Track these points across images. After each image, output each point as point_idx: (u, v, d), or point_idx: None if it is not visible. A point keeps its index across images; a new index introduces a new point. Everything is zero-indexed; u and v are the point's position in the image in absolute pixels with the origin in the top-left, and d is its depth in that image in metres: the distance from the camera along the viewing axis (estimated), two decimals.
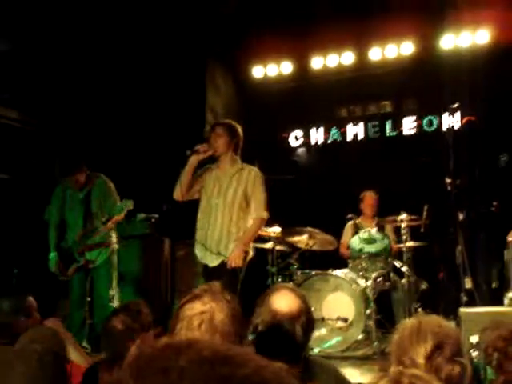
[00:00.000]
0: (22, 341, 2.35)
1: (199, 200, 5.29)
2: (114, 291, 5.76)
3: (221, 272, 4.98)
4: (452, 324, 2.16)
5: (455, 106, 5.15)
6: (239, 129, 5.31)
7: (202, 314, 2.14)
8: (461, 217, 4.62)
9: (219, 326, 2.12)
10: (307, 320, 2.50)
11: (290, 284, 5.86)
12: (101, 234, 5.92)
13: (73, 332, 5.12)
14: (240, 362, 0.83)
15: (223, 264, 5.04)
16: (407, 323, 2.22)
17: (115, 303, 5.64)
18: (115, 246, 5.81)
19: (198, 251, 5.23)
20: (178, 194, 5.20)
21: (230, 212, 5.12)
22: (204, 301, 2.18)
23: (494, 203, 6.49)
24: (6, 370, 1.65)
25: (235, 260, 4.97)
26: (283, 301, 2.51)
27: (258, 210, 5.16)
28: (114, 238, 5.79)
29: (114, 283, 5.84)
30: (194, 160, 5.14)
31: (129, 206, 5.72)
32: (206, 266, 5.19)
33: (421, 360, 2.01)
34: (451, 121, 7.63)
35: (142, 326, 2.89)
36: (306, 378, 2.37)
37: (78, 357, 3.29)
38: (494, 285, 6.35)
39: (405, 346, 2.08)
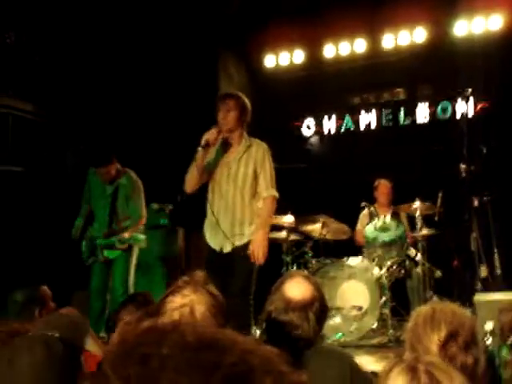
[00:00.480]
0: (36, 328, 2.37)
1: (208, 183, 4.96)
2: (130, 286, 5.83)
3: (234, 258, 4.74)
4: (467, 312, 2.14)
5: (469, 91, 5.09)
6: (248, 103, 4.98)
7: (182, 308, 2.13)
8: (475, 203, 4.58)
9: (199, 319, 2.11)
10: (320, 307, 2.51)
11: (304, 271, 5.87)
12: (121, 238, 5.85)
13: (92, 322, 5.18)
14: (225, 348, 0.78)
15: (237, 249, 4.76)
16: (421, 310, 2.21)
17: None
18: (138, 247, 5.90)
19: (209, 236, 4.91)
20: (188, 187, 4.88)
21: (242, 195, 4.82)
22: (184, 293, 2.16)
23: (487, 193, 6.43)
24: (14, 358, 1.66)
25: (260, 246, 4.68)
26: (296, 288, 2.51)
27: (268, 188, 4.85)
28: (139, 238, 5.85)
29: (131, 279, 5.89)
30: (202, 154, 4.76)
31: (141, 243, 5.76)
32: (214, 252, 4.83)
33: (434, 348, 2.01)
34: (465, 107, 7.58)
35: (150, 317, 2.91)
36: (316, 367, 2.37)
37: (93, 346, 3.31)
38: (498, 271, 6.31)
39: (419, 333, 2.08)
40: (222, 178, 4.86)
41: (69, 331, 2.24)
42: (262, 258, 4.67)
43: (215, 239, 4.84)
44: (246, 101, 4.99)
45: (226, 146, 4.94)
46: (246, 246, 4.75)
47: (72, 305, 5.41)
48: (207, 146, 4.73)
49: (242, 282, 4.69)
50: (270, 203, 4.88)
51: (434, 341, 2.01)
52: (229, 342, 0.79)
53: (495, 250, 6.03)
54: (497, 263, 5.93)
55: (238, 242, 4.77)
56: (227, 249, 4.79)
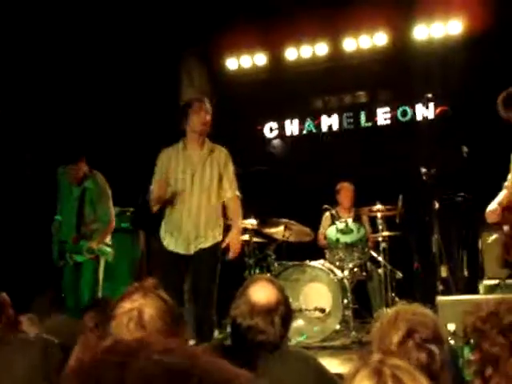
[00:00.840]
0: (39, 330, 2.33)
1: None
2: (97, 293, 5.72)
3: (200, 260, 4.84)
4: (430, 312, 2.17)
5: (429, 95, 5.16)
6: None
7: (130, 312, 2.11)
8: (436, 205, 4.65)
9: (148, 323, 2.09)
10: (286, 311, 2.50)
11: (268, 275, 5.87)
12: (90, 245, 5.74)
13: None
14: (187, 375, 0.71)
15: (202, 251, 4.86)
16: (387, 312, 2.23)
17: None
18: (106, 257, 5.81)
19: (168, 239, 4.96)
20: (154, 209, 5.00)
21: (208, 197, 4.91)
22: (133, 298, 2.15)
23: (462, 193, 6.54)
24: (11, 358, 1.62)
25: (236, 245, 4.89)
26: (261, 292, 2.50)
27: (232, 188, 5.00)
28: (106, 252, 5.77)
29: (99, 287, 5.79)
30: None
31: (108, 257, 5.71)
32: (175, 255, 4.89)
33: (393, 347, 2.02)
34: (425, 111, 7.69)
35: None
36: (282, 371, 2.36)
37: None
38: (466, 273, 6.43)
39: (382, 334, 2.09)
40: (185, 182, 4.92)
41: (69, 339, 2.19)
42: (236, 253, 4.90)
43: (177, 242, 4.90)
44: None
45: (185, 142, 5.03)
46: (209, 248, 4.87)
47: (32, 311, 5.30)
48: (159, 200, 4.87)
49: (207, 284, 4.80)
50: (238, 202, 5.03)
51: (394, 340, 2.02)
52: (190, 369, 0.72)
53: (463, 252, 6.13)
54: (464, 265, 6.03)
55: (202, 245, 4.87)
56: (190, 251, 4.86)
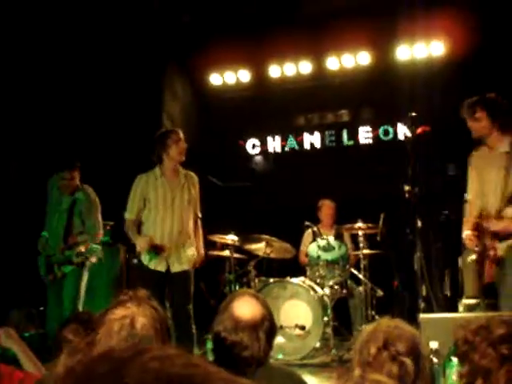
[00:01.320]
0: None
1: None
2: (79, 304, 5.70)
3: (181, 277, 5.20)
4: (411, 327, 2.16)
5: (413, 114, 5.20)
6: None
7: (123, 319, 2.08)
8: (419, 224, 4.67)
9: (140, 331, 2.06)
10: (270, 326, 2.47)
11: (252, 290, 5.84)
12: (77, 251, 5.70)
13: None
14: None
15: (180, 272, 5.22)
16: (367, 326, 2.22)
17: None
18: (89, 264, 5.76)
19: (149, 258, 5.21)
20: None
21: (186, 218, 5.31)
22: (127, 306, 2.13)
23: (445, 212, 6.59)
24: None
25: (201, 263, 5.42)
26: (246, 307, 2.47)
27: (198, 211, 5.48)
28: (94, 248, 5.70)
29: (82, 297, 5.76)
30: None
31: (97, 253, 5.65)
32: (157, 273, 5.19)
33: (370, 358, 2.01)
34: (407, 130, 7.75)
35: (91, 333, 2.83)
36: None
37: (30, 367, 3.19)
38: (447, 292, 6.45)
39: (361, 346, 2.08)
40: (166, 201, 5.26)
41: None
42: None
43: (159, 260, 5.19)
44: None
45: (163, 168, 5.35)
46: (187, 269, 5.29)
47: (8, 324, 5.21)
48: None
49: (187, 300, 5.20)
50: (200, 224, 5.55)
51: (371, 351, 2.02)
52: (192, 379, 0.69)
53: (445, 271, 6.16)
54: (446, 284, 6.05)
55: (183, 266, 5.26)
56: (175, 269, 5.22)
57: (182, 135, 5.39)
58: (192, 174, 5.49)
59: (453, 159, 6.84)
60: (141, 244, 5.17)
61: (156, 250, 5.16)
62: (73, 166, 5.81)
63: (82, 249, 5.63)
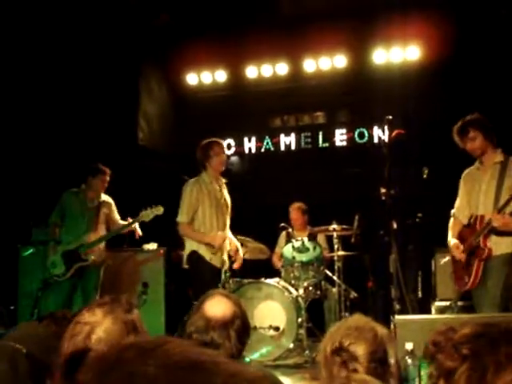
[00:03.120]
0: (7, 337, 2.20)
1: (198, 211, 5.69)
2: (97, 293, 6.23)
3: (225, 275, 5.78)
4: (378, 326, 2.13)
5: (389, 117, 5.25)
6: None
7: (84, 325, 1.98)
8: (394, 226, 4.72)
9: (93, 343, 1.96)
10: (242, 325, 2.46)
11: (225, 290, 5.82)
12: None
13: None
14: (212, 370, 0.75)
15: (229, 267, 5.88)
16: (336, 324, 2.20)
17: None
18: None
19: (209, 254, 5.65)
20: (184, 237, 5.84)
21: (227, 220, 5.85)
22: (95, 312, 2.02)
23: (419, 214, 6.65)
24: None
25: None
26: (216, 306, 2.46)
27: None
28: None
29: (99, 288, 6.31)
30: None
31: (158, 211, 6.15)
32: (214, 269, 5.67)
33: (322, 360, 2.01)
34: (382, 133, 7.82)
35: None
36: None
37: None
38: (419, 294, 6.51)
39: (322, 346, 2.07)
40: (217, 208, 5.73)
41: (37, 348, 2.07)
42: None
43: (216, 257, 5.69)
44: None
45: (210, 176, 5.79)
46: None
47: None
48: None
49: None
50: None
51: (327, 352, 2.01)
52: (213, 364, 0.77)
53: (418, 273, 6.22)
54: (419, 286, 6.12)
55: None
56: (225, 266, 5.79)
57: (223, 147, 5.96)
58: (224, 180, 5.95)
59: (427, 162, 6.90)
60: (219, 240, 5.60)
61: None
62: (105, 172, 6.36)
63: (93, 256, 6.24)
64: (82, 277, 6.26)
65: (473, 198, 4.73)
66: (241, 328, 2.44)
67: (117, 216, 6.59)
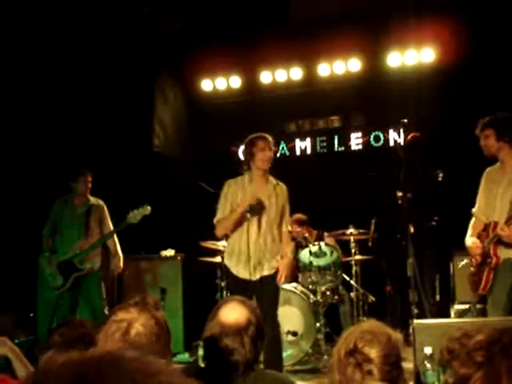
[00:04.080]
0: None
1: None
2: (104, 300, 6.15)
3: (263, 286, 4.99)
4: (389, 330, 2.13)
5: (405, 121, 5.25)
6: None
7: (120, 322, 2.09)
8: (411, 230, 4.70)
9: (133, 338, 2.06)
10: (256, 331, 2.47)
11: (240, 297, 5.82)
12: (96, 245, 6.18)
13: None
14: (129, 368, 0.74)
15: (266, 278, 5.04)
16: (349, 328, 2.20)
17: (106, 311, 5.68)
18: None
19: (235, 265, 5.11)
20: (222, 233, 5.29)
21: (272, 229, 5.12)
22: (129, 310, 2.14)
23: (436, 218, 6.62)
24: None
25: (285, 272, 5.08)
26: (231, 313, 2.49)
27: (288, 223, 5.31)
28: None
29: (104, 292, 6.20)
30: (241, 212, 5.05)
31: (146, 212, 5.91)
32: (241, 281, 5.05)
33: (336, 363, 2.01)
34: (397, 136, 7.79)
35: (81, 338, 2.80)
36: None
37: (24, 373, 3.17)
38: (437, 297, 6.48)
39: (336, 349, 2.08)
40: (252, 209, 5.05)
41: None
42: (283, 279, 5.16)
43: (244, 268, 5.07)
44: None
45: (251, 176, 5.23)
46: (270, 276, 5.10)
47: None
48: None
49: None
50: (290, 236, 5.47)
51: (341, 355, 2.01)
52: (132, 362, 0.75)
53: (436, 277, 6.18)
54: (437, 289, 6.08)
55: (265, 272, 5.07)
56: (255, 277, 5.04)
57: (270, 142, 5.23)
58: (282, 185, 5.36)
59: (442, 165, 6.87)
60: (246, 201, 5.01)
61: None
62: (86, 173, 6.24)
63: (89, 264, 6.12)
64: (81, 286, 6.13)
65: (490, 200, 4.70)
66: (255, 334, 2.45)
67: (108, 221, 6.39)
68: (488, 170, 4.83)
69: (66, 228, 6.26)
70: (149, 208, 5.93)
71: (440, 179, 5.44)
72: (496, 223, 4.55)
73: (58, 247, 6.24)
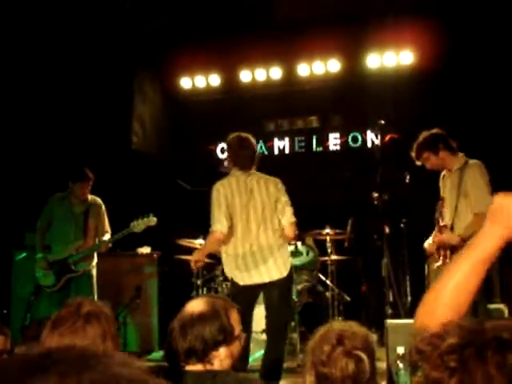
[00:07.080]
0: None
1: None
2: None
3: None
4: (364, 329, 2.16)
5: (383, 122, 5.29)
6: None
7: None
8: (387, 230, 4.74)
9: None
10: (220, 326, 2.45)
11: (215, 294, 5.81)
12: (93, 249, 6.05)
13: None
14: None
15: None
16: (320, 329, 2.21)
17: None
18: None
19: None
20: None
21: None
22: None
23: (404, 220, 6.69)
24: None
25: None
26: (197, 303, 2.50)
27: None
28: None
29: (95, 295, 5.98)
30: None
31: (151, 222, 5.75)
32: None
33: (324, 357, 2.02)
34: (375, 138, 7.84)
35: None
36: None
37: None
38: (409, 298, 6.53)
39: (314, 346, 2.08)
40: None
41: None
42: None
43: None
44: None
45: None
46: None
47: None
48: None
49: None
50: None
51: (325, 349, 2.02)
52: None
53: (407, 278, 6.24)
54: (408, 290, 6.13)
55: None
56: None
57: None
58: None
59: (420, 167, 6.92)
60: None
61: None
62: (88, 177, 6.03)
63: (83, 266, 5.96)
64: (73, 287, 5.99)
65: (446, 200, 4.82)
66: (218, 329, 2.43)
67: (105, 221, 6.23)
68: (442, 174, 4.98)
69: (60, 225, 6.08)
70: (154, 219, 5.75)
71: (407, 181, 5.50)
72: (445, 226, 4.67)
73: (50, 242, 6.08)
